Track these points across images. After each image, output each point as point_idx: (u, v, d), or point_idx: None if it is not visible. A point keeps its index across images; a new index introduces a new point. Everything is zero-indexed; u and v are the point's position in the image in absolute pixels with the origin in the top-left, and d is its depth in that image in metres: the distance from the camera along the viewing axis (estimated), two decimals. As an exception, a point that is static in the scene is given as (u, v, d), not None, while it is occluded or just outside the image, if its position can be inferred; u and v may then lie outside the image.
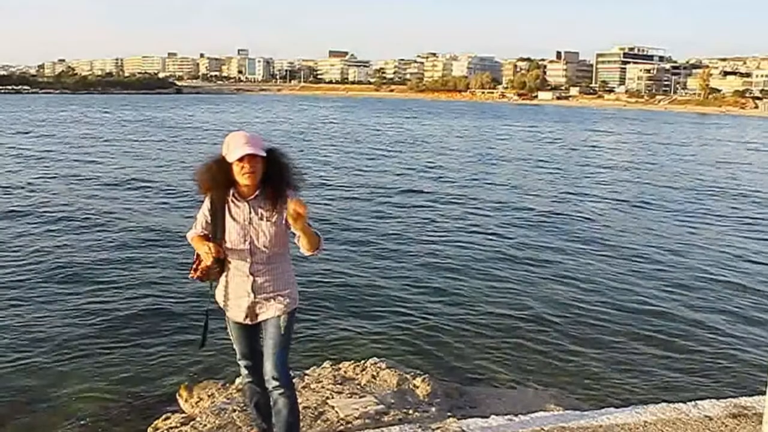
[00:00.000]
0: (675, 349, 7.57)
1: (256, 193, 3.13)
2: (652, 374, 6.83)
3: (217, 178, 3.12)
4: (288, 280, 3.28)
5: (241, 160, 3.02)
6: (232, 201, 3.16)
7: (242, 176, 3.06)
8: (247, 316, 3.26)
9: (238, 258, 3.19)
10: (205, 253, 3.15)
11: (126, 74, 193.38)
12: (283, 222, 3.14)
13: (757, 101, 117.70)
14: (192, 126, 46.16)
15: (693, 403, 4.22)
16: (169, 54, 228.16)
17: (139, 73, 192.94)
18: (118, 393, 6.05)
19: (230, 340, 3.42)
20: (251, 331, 3.33)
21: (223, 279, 3.27)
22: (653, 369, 6.98)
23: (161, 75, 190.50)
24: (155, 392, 6.01)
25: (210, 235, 3.21)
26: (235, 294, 3.24)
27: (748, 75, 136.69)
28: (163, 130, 41.16)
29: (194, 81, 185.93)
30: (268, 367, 3.21)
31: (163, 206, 15.71)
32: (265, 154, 3.06)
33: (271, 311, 3.23)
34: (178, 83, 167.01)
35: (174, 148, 30.41)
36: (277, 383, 3.20)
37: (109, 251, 11.29)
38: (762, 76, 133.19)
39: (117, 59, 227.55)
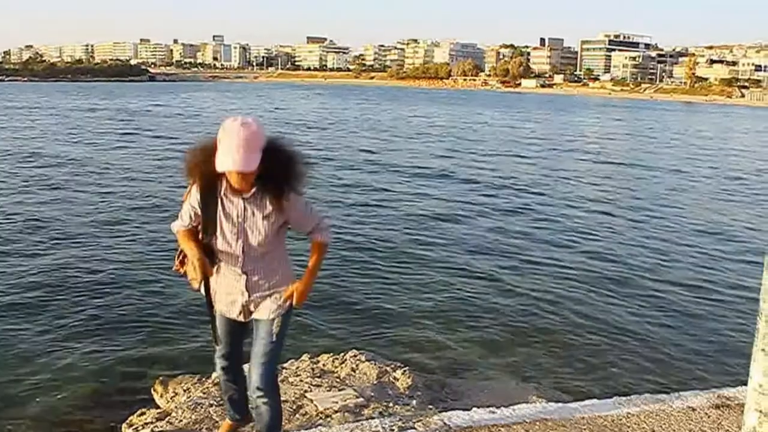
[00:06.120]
0: (658, 340, 7.68)
1: (253, 190, 2.88)
2: (635, 365, 6.94)
3: (206, 170, 2.83)
4: (285, 276, 3.09)
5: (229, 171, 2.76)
6: (225, 195, 2.91)
7: (231, 179, 2.81)
8: (240, 314, 3.08)
9: (230, 256, 2.98)
10: (192, 271, 2.99)
11: (96, 61, 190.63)
12: (281, 222, 2.97)
13: (743, 90, 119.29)
14: (169, 115, 45.67)
15: (676, 393, 4.28)
16: (141, 40, 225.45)
17: (111, 59, 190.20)
18: (91, 388, 6.01)
19: (208, 335, 3.25)
20: (240, 330, 3.17)
21: (213, 277, 3.04)
22: (636, 360, 7.08)
23: (133, 62, 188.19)
24: (129, 387, 5.98)
25: (199, 229, 2.98)
26: (227, 291, 3.05)
27: (734, 63, 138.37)
28: (141, 120, 40.76)
29: (168, 68, 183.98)
30: (254, 377, 3.05)
31: (142, 198, 15.55)
32: (255, 167, 2.74)
33: (265, 312, 3.05)
34: (152, 70, 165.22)
35: (151, 139, 30.05)
36: (261, 393, 3.07)
37: (80, 244, 11.16)
38: (748, 64, 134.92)
39: (87, 45, 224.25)
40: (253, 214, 2.92)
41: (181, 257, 3.10)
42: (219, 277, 3.04)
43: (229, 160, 2.70)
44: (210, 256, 2.97)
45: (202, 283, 3.03)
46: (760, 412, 1.99)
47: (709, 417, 3.93)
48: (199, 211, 2.96)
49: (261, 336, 3.07)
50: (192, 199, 2.98)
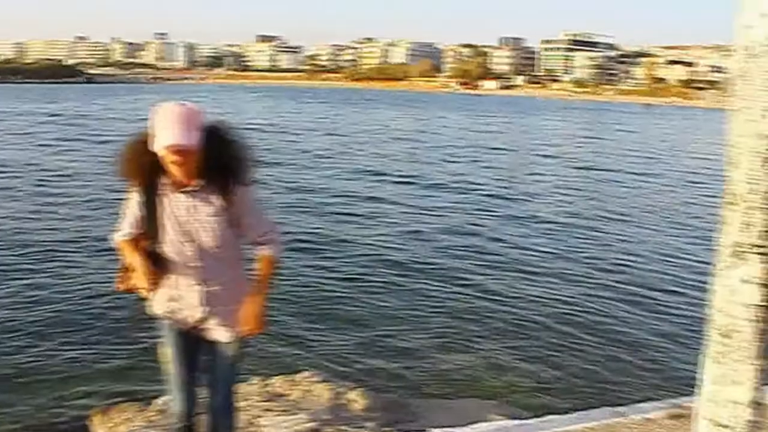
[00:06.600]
0: (616, 351, 7.86)
1: (197, 182, 2.75)
2: (593, 378, 7.09)
3: (144, 164, 2.71)
4: (245, 287, 2.95)
5: (166, 147, 2.61)
6: (167, 192, 2.78)
7: (171, 166, 2.67)
8: (197, 329, 2.96)
9: (183, 263, 2.84)
10: (139, 282, 2.83)
11: (28, 61, 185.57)
12: (232, 218, 2.82)
13: (701, 92, 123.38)
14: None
15: (635, 405, 4.46)
16: (77, 38, 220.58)
17: (44, 59, 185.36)
18: (21, 422, 5.78)
19: (153, 358, 3.22)
20: (196, 348, 3.02)
21: (165, 289, 2.91)
22: (595, 373, 7.24)
23: (69, 62, 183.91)
24: (65, 419, 5.79)
25: (145, 235, 2.84)
26: (182, 305, 2.92)
27: (691, 64, 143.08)
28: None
29: (107, 69, 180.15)
30: (213, 399, 3.02)
31: (71, 208, 15.21)
32: (195, 143, 2.64)
33: (224, 332, 2.95)
34: (89, 71, 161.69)
35: (93, 145, 29.40)
36: (220, 416, 3.03)
37: (7, 259, 10.86)
38: (706, 65, 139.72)
39: (17, 43, 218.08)
40: (201, 211, 2.78)
41: (123, 273, 2.93)
42: (171, 290, 2.91)
43: (168, 134, 2.61)
44: (160, 267, 2.84)
45: (152, 296, 2.92)
46: (710, 420, 2.09)
47: (666, 427, 4.09)
48: (141, 214, 2.83)
49: (220, 356, 2.98)
50: (133, 201, 2.86)
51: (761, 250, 1.91)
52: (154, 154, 2.67)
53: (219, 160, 2.74)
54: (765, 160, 1.85)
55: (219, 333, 2.96)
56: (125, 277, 2.92)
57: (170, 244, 2.82)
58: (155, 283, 2.84)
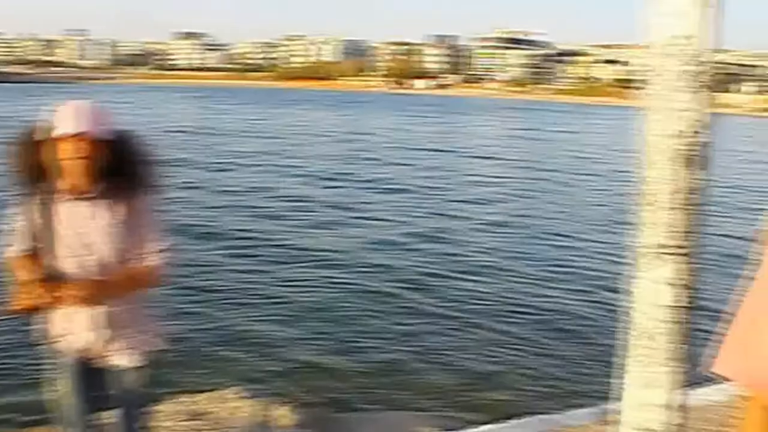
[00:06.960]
0: (547, 359, 7.96)
1: (97, 189, 2.60)
2: (524, 387, 7.16)
3: (39, 165, 2.53)
4: (150, 310, 2.84)
5: (63, 139, 2.45)
6: (63, 200, 2.61)
7: (67, 164, 2.50)
8: (97, 355, 2.78)
9: (80, 278, 2.63)
10: (33, 299, 2.57)
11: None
12: (134, 229, 2.68)
13: (637, 91, 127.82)
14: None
15: (565, 413, 4.57)
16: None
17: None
18: None
19: (46, 390, 2.94)
20: (96, 376, 2.84)
21: (61, 309, 2.68)
22: (525, 381, 7.31)
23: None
24: None
25: (38, 248, 2.64)
26: (80, 327, 2.73)
27: (626, 63, 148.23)
28: None
29: (19, 67, 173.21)
30: (122, 429, 2.85)
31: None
32: (98, 134, 2.50)
33: (125, 357, 2.79)
34: (0, 70, 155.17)
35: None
36: None
37: None
38: (640, 64, 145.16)
39: None
40: (99, 221, 2.63)
41: (20, 295, 2.64)
42: (68, 310, 2.70)
43: (70, 123, 2.46)
44: (55, 284, 2.60)
45: (46, 317, 2.74)
46: (634, 425, 2.13)
47: (600, 433, 4.21)
48: (34, 226, 2.63)
49: (124, 383, 2.83)
50: (25, 210, 2.65)
51: (681, 250, 1.96)
52: (48, 155, 2.52)
53: (121, 166, 2.61)
54: (680, 159, 1.90)
55: (121, 358, 2.81)
56: (16, 297, 2.68)
57: (65, 258, 2.65)
58: (50, 302, 2.62)
